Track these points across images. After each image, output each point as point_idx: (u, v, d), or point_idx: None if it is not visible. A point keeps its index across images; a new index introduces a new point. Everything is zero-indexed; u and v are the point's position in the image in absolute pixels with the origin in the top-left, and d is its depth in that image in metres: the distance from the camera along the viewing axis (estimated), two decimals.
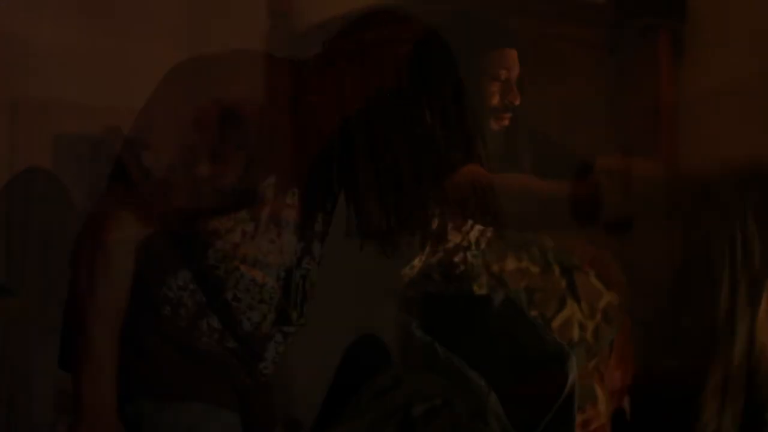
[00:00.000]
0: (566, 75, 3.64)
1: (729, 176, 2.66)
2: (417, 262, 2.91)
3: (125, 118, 2.20)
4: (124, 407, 2.06)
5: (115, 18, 3.38)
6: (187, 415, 2.10)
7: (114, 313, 2.03)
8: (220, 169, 2.07)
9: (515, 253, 2.98)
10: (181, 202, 2.08)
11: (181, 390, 2.11)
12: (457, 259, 2.91)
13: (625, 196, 2.67)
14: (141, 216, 2.06)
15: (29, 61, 3.28)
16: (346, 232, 2.13)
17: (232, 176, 2.07)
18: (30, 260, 3.35)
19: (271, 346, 2.20)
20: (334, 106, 2.11)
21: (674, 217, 2.73)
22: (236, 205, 2.09)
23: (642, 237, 2.80)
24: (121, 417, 2.05)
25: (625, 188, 2.69)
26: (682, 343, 2.67)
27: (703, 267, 2.63)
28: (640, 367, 2.98)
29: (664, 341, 2.71)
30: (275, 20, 3.67)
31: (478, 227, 2.93)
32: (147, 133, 2.13)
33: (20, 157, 3.47)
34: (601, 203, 2.68)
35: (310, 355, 2.65)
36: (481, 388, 2.72)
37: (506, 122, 2.97)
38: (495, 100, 2.93)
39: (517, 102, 2.95)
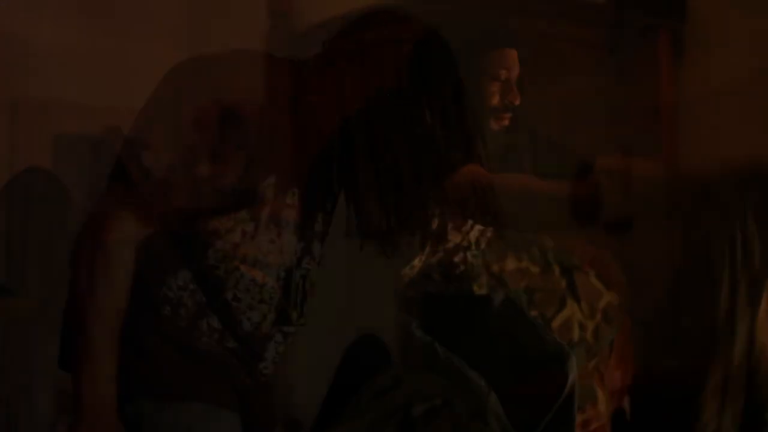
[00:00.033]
0: (566, 75, 3.63)
1: (729, 176, 2.66)
2: (417, 262, 2.91)
3: (125, 118, 2.20)
4: (124, 407, 2.06)
5: (115, 18, 3.38)
6: (187, 415, 2.10)
7: (114, 313, 2.03)
8: (220, 169, 2.07)
9: (515, 253, 2.98)
10: (181, 202, 2.08)
11: (181, 390, 2.11)
12: (457, 259, 2.91)
13: (625, 196, 2.67)
14: (141, 216, 2.05)
15: (29, 61, 3.27)
16: (346, 232, 2.13)
17: (232, 176, 2.07)
18: (30, 260, 3.35)
19: (271, 346, 2.20)
20: (334, 106, 2.11)
21: (674, 217, 2.73)
22: (236, 205, 2.09)
23: (642, 237, 2.80)
24: (121, 417, 2.05)
25: (625, 188, 2.69)
26: (682, 343, 2.67)
27: (703, 267, 2.63)
28: (640, 367, 2.98)
29: (664, 341, 2.71)
30: (275, 20, 3.67)
31: (478, 227, 2.93)
32: (147, 133, 2.13)
33: (20, 157, 3.46)
34: (601, 203, 2.68)
35: (310, 355, 2.65)
36: (481, 388, 2.73)
37: (506, 122, 2.97)
38: (495, 100, 2.94)
39: (517, 102, 2.95)
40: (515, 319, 2.91)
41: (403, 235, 2.14)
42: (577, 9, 3.89)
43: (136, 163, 2.08)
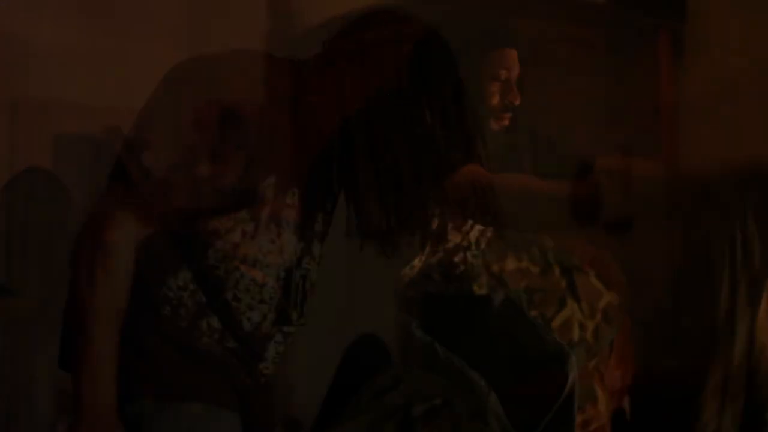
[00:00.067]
0: (566, 75, 3.63)
1: (729, 176, 2.66)
2: (417, 262, 2.91)
3: (125, 118, 2.20)
4: (124, 407, 2.06)
5: (115, 18, 3.38)
6: (187, 415, 2.10)
7: (114, 313, 2.03)
8: (220, 169, 2.07)
9: (515, 253, 2.98)
10: (181, 202, 2.08)
11: (181, 390, 2.11)
12: (457, 259, 2.91)
13: (626, 196, 2.67)
14: (141, 216, 2.06)
15: (29, 61, 3.27)
16: (347, 232, 2.13)
17: (232, 176, 2.07)
18: (30, 260, 3.35)
19: (271, 346, 2.20)
20: (334, 106, 2.11)
21: (674, 216, 2.73)
22: (236, 205, 2.09)
23: (642, 237, 2.80)
24: (121, 417, 2.05)
25: (625, 188, 2.69)
26: (682, 343, 2.68)
27: (703, 267, 2.63)
28: (640, 367, 2.98)
29: (664, 341, 2.71)
30: (275, 20, 3.67)
31: (478, 227, 2.93)
32: (147, 133, 2.13)
33: (20, 157, 3.46)
34: (601, 203, 2.68)
35: (310, 355, 2.65)
36: (481, 388, 2.73)
37: (506, 122, 2.97)
38: (495, 100, 2.94)
39: (517, 102, 2.95)
40: (515, 319, 2.90)
41: (403, 235, 2.13)
42: (577, 9, 3.88)
43: (136, 163, 2.08)
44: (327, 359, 2.85)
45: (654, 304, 2.82)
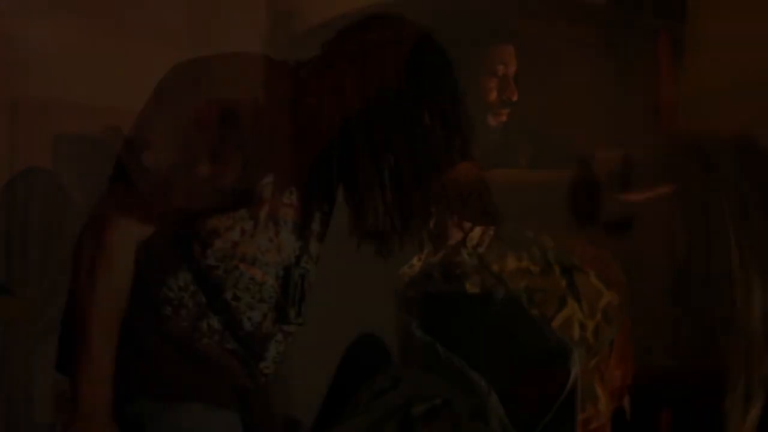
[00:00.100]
0: (566, 75, 3.63)
1: (726, 145, 2.65)
2: (417, 262, 2.91)
3: (125, 118, 2.20)
4: (124, 407, 2.06)
5: (115, 18, 3.38)
6: (187, 415, 2.10)
7: (114, 313, 2.04)
8: (220, 169, 2.07)
9: (515, 253, 2.98)
10: (181, 202, 2.08)
11: (181, 390, 2.11)
12: (457, 258, 2.91)
13: (625, 187, 2.66)
14: (141, 216, 2.06)
15: (29, 61, 3.27)
16: (348, 232, 2.13)
17: (232, 176, 2.07)
18: (30, 260, 3.35)
19: (271, 345, 2.20)
20: (334, 107, 2.11)
21: (668, 178, 2.71)
22: (235, 204, 2.10)
23: (642, 237, 2.79)
24: (121, 417, 2.05)
25: (624, 185, 2.69)
26: (682, 343, 2.67)
27: (703, 267, 2.63)
28: (640, 367, 2.98)
29: (664, 341, 2.71)
30: (275, 20, 3.67)
31: (478, 227, 2.93)
32: (147, 133, 2.13)
33: (20, 157, 3.47)
34: (601, 203, 2.68)
35: (310, 355, 2.65)
36: (482, 388, 2.72)
37: (504, 118, 2.97)
38: (492, 96, 2.94)
39: (515, 98, 2.95)
40: (516, 317, 2.90)
41: (404, 235, 2.14)
42: (577, 9, 3.88)
43: (136, 163, 2.08)
44: (327, 359, 2.85)
45: (654, 304, 2.82)
